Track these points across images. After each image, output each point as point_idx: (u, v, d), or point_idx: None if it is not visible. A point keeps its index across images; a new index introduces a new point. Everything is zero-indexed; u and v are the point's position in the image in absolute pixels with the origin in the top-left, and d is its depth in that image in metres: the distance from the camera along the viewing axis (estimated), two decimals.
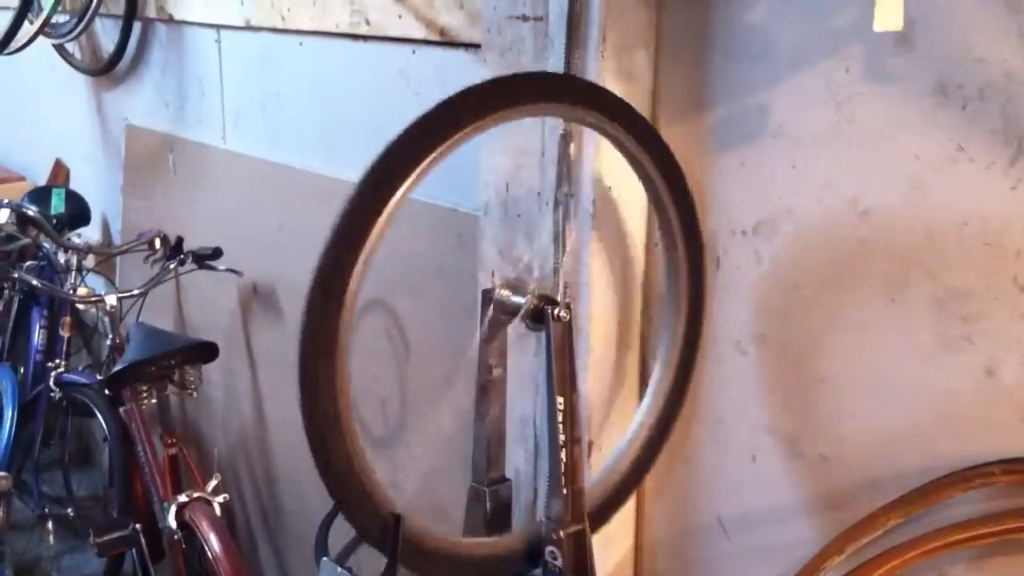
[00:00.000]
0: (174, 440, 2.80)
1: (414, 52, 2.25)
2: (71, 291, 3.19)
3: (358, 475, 1.35)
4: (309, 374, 1.28)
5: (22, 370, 3.51)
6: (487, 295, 1.56)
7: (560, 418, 1.51)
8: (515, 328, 1.58)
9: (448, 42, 2.14)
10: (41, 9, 3.42)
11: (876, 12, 1.34)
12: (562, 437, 1.51)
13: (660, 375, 1.71)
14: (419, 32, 2.20)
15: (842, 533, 1.54)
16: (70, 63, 3.81)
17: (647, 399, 1.71)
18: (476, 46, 1.98)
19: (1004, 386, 1.42)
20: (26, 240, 3.34)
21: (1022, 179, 1.36)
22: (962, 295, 1.44)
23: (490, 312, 1.55)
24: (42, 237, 3.33)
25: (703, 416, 1.81)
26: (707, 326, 1.75)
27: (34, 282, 3.10)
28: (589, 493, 1.61)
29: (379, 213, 1.29)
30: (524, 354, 1.81)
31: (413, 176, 1.31)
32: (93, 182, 3.94)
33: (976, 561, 1.49)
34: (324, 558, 1.51)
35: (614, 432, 1.83)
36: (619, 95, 1.56)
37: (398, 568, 1.42)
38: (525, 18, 1.75)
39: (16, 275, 3.15)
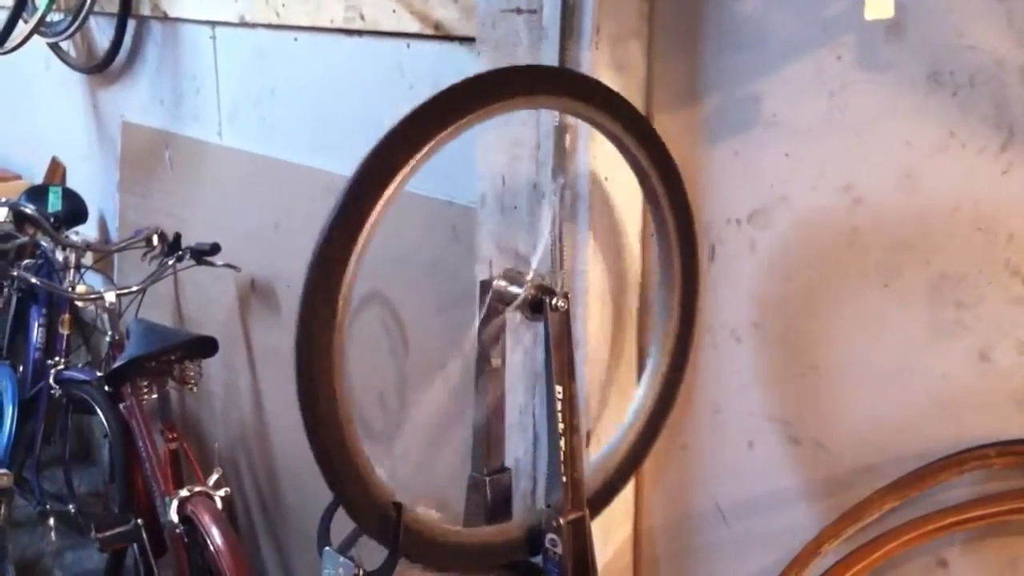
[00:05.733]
0: (175, 435, 2.81)
1: (408, 46, 2.26)
2: (70, 289, 3.20)
3: (356, 468, 1.36)
4: (306, 371, 1.29)
5: (21, 368, 3.53)
6: (485, 286, 1.57)
7: (559, 407, 1.52)
8: (513, 318, 1.60)
9: (443, 36, 2.15)
10: (36, 8, 3.42)
11: (867, 0, 1.35)
12: (561, 426, 1.53)
13: (655, 363, 1.72)
14: (413, 26, 2.21)
15: (839, 517, 1.55)
16: (65, 61, 3.81)
17: (643, 386, 1.73)
18: (471, 40, 1.98)
19: (998, 370, 1.44)
20: (24, 238, 3.35)
21: (1013, 164, 1.38)
22: (955, 280, 1.45)
23: (488, 302, 1.56)
24: (40, 235, 3.33)
25: (700, 404, 1.83)
26: (701, 315, 1.77)
27: (33, 280, 3.10)
28: (587, 481, 1.62)
29: (371, 211, 1.30)
30: (522, 344, 1.82)
31: (402, 173, 1.33)
32: (89, 180, 3.94)
33: (972, 543, 1.50)
34: (327, 548, 1.52)
35: (611, 419, 1.84)
36: (610, 85, 1.57)
37: (399, 558, 1.44)
38: (519, 11, 1.76)
39: (15, 273, 3.17)
